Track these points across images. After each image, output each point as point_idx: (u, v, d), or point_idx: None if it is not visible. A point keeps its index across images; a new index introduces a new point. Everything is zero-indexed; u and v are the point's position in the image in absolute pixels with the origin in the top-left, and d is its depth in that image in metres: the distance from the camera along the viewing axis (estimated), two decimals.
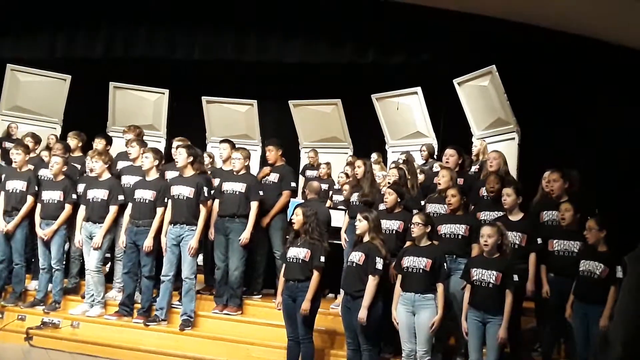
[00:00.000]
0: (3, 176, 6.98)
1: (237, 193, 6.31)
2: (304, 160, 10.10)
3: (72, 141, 7.48)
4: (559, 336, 5.31)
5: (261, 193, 6.41)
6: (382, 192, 6.05)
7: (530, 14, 8.17)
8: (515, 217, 5.36)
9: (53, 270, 6.56)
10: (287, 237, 5.80)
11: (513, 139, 8.04)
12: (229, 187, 6.36)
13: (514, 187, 5.45)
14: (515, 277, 4.77)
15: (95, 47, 9.71)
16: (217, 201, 6.43)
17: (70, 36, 9.77)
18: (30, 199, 6.72)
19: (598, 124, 8.06)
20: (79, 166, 7.20)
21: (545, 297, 5.19)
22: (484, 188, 5.82)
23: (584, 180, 6.02)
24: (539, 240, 5.25)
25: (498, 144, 7.98)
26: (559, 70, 8.29)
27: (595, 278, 4.80)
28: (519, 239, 5.26)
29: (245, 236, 6.22)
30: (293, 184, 6.84)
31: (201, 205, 6.20)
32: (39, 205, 6.68)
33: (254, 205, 6.30)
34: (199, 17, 9.42)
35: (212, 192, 6.42)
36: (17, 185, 6.74)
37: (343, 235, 6.27)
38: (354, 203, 6.24)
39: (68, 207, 6.61)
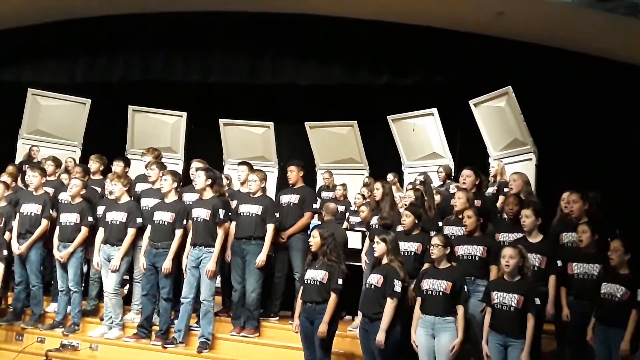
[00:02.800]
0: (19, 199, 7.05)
1: (254, 215, 6.33)
2: (320, 182, 10.13)
3: (94, 164, 7.55)
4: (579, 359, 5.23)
5: (277, 215, 6.42)
6: (399, 214, 6.04)
7: (546, 35, 8.19)
8: (535, 239, 5.31)
9: (71, 292, 6.60)
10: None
11: (530, 159, 8.01)
12: (245, 209, 6.39)
13: (533, 209, 5.40)
14: (537, 301, 4.73)
15: (114, 72, 9.90)
16: (233, 223, 6.45)
17: (90, 61, 9.97)
18: (44, 222, 6.76)
19: (616, 144, 8.03)
20: (99, 189, 7.26)
21: (565, 321, 5.13)
22: (504, 209, 5.78)
23: (604, 202, 5.97)
24: (559, 263, 5.20)
25: (515, 164, 7.96)
26: (576, 91, 8.28)
27: (617, 301, 4.73)
28: (539, 261, 5.21)
29: (261, 258, 6.22)
30: (315, 205, 6.83)
31: (217, 227, 6.22)
32: (57, 228, 6.73)
33: (270, 227, 6.32)
34: (215, 41, 9.56)
35: (230, 214, 6.44)
36: (32, 208, 6.78)
37: (364, 257, 6.26)
38: (374, 226, 6.24)
39: (84, 230, 6.65)
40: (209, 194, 6.30)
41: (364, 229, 6.77)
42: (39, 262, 6.80)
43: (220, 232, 6.22)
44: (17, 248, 6.70)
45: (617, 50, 7.96)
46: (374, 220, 6.28)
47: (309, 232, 6.48)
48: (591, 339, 4.88)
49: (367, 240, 6.34)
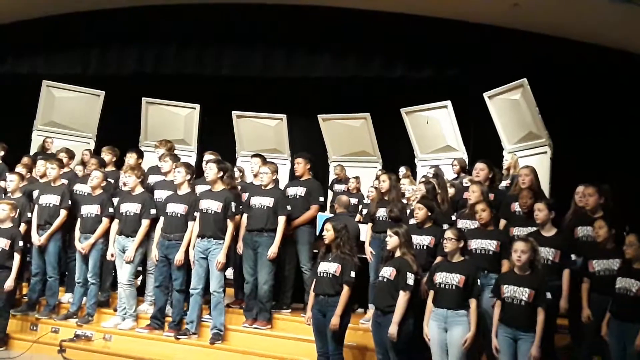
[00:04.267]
0: (37, 190, 7.10)
1: (265, 207, 6.33)
2: (333, 175, 10.11)
3: (107, 156, 7.60)
4: (594, 354, 5.19)
5: (289, 208, 6.41)
6: (411, 207, 6.02)
7: (562, 27, 8.11)
8: (548, 232, 5.27)
9: (88, 283, 6.64)
10: (315, 251, 5.77)
11: (545, 152, 7.94)
12: (257, 201, 6.39)
13: (546, 203, 5.37)
14: (548, 295, 4.70)
15: (127, 64, 9.95)
16: (245, 215, 6.46)
17: (104, 53, 10.04)
18: (63, 212, 6.80)
19: (632, 137, 7.94)
20: (112, 180, 7.29)
21: (585, 322, 5.06)
22: (517, 203, 5.74)
23: (616, 195, 5.91)
24: (573, 257, 5.16)
25: (530, 158, 7.89)
26: (592, 83, 8.20)
27: (632, 296, 4.69)
28: (552, 255, 5.17)
29: (273, 250, 6.23)
30: (321, 199, 6.79)
31: (228, 220, 6.22)
32: (78, 220, 6.77)
33: (281, 219, 6.31)
34: (229, 33, 9.56)
35: (241, 207, 6.44)
36: (50, 199, 6.83)
37: (368, 248, 6.24)
38: (380, 218, 6.22)
39: (105, 221, 6.68)
40: (219, 186, 6.31)
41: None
42: (57, 254, 6.84)
43: (230, 225, 6.23)
44: (38, 239, 6.75)
45: (635, 43, 7.86)
46: (380, 212, 6.25)
47: (319, 225, 6.50)
48: (606, 334, 4.84)
49: (369, 231, 6.32)
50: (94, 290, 6.66)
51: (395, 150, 10.23)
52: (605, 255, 5.07)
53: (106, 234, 6.70)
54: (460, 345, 4.78)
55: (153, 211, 6.54)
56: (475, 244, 5.34)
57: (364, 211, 7.54)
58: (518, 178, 6.17)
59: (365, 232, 6.43)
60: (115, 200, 6.78)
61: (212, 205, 6.20)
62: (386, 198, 6.34)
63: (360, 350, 5.83)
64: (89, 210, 6.71)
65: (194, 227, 6.31)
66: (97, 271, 6.66)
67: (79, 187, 7.12)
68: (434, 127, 9.41)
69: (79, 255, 6.70)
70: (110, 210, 6.70)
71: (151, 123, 10.25)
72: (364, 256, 6.18)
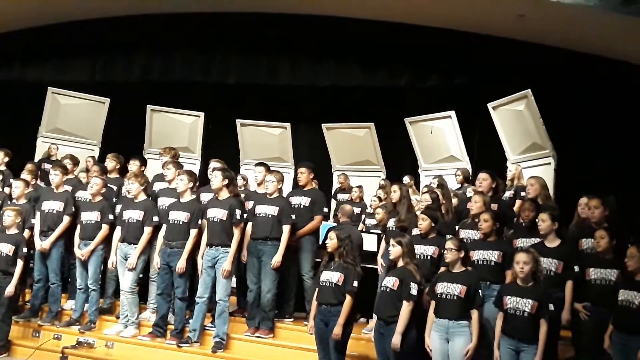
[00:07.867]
0: (40, 196, 7.11)
1: (270, 216, 6.33)
2: (336, 184, 10.12)
3: (111, 163, 7.60)
4: None
5: (293, 217, 6.42)
6: (416, 217, 6.01)
7: (566, 38, 8.13)
8: (552, 243, 5.26)
9: (89, 290, 6.65)
10: (318, 260, 5.74)
11: (549, 163, 7.94)
12: (261, 210, 6.39)
13: (549, 213, 5.35)
14: (551, 306, 4.69)
15: (133, 72, 10.02)
16: (250, 224, 6.46)
17: (110, 61, 10.13)
18: (66, 219, 6.81)
19: (636, 148, 7.94)
20: (115, 187, 7.32)
21: (583, 319, 5.05)
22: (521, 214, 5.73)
23: (621, 207, 5.90)
24: (576, 268, 5.14)
25: (534, 169, 7.89)
26: (596, 95, 8.20)
27: (634, 308, 4.66)
28: (555, 266, 5.16)
29: (277, 259, 6.22)
30: (325, 209, 6.78)
31: (234, 228, 6.23)
32: (78, 227, 6.78)
33: (286, 228, 6.31)
34: (234, 42, 9.61)
35: (245, 214, 6.46)
36: (53, 205, 6.85)
37: (380, 260, 6.22)
38: (390, 229, 6.21)
39: (105, 228, 6.69)
40: (225, 194, 6.32)
41: (379, 232, 6.75)
42: (59, 260, 6.84)
43: (236, 232, 6.22)
44: (40, 245, 6.75)
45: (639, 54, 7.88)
46: (391, 223, 6.25)
47: (322, 234, 6.49)
48: (608, 347, 4.82)
49: (382, 243, 6.31)
50: (95, 296, 6.66)
51: (399, 160, 10.23)
52: (603, 264, 5.05)
53: (106, 240, 6.71)
54: (462, 356, 4.76)
55: (155, 218, 6.55)
56: (477, 254, 5.33)
57: (367, 221, 7.54)
58: (523, 188, 6.16)
59: (377, 243, 6.39)
60: (119, 207, 6.79)
61: (218, 214, 6.21)
62: (398, 209, 6.32)
63: None
64: (89, 217, 6.73)
65: (196, 235, 6.32)
66: (97, 277, 6.67)
67: (81, 194, 7.13)
68: (438, 137, 9.42)
69: (79, 262, 6.70)
70: (111, 217, 6.72)
71: (156, 130, 10.29)
72: (368, 266, 6.17)
